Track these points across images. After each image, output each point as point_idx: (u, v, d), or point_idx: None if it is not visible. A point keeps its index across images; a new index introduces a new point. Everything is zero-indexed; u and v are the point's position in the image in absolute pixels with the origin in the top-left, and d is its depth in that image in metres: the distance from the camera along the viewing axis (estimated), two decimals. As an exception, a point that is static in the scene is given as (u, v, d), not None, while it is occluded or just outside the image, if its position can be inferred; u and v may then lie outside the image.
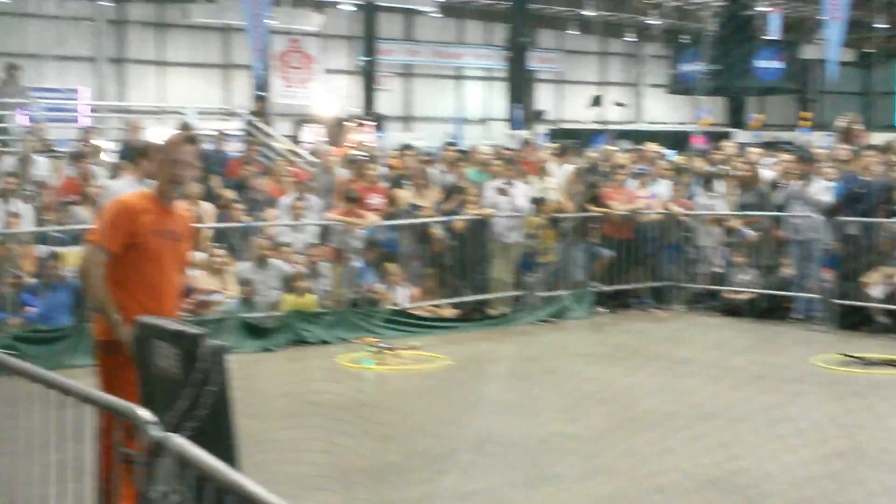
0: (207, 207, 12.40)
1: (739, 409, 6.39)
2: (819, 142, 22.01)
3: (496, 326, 12.45)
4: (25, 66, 19.91)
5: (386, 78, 34.99)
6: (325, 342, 11.38)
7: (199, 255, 11.90)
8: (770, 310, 12.78)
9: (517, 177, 13.40)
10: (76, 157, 13.52)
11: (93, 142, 14.86)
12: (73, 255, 11.17)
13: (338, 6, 33.93)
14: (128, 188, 10.17)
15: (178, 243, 5.11)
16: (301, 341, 11.33)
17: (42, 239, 11.40)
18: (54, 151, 14.89)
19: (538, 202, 13.31)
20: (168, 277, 5.00)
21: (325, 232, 12.53)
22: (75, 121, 20.11)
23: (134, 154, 11.63)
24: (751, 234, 13.31)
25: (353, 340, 11.30)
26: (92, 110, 22.85)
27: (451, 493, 5.76)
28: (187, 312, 10.40)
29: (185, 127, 15.38)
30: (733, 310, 13.13)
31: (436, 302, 12.69)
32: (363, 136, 21.72)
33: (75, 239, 11.35)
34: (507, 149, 16.35)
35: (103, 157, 14.60)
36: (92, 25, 31.77)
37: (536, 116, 32.39)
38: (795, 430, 6.47)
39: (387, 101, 34.99)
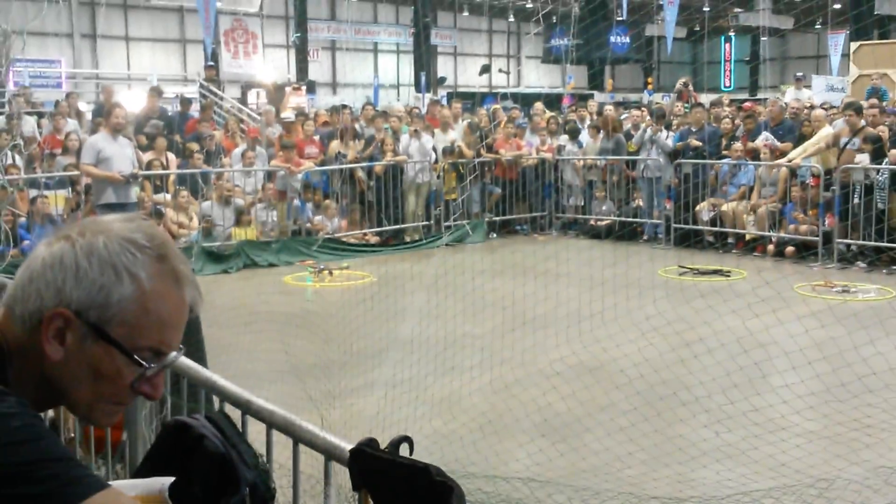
0: (172, 157, 12.08)
1: (608, 312, 6.41)
2: (661, 101, 22.24)
3: (410, 250, 12.40)
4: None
5: (315, 51, 34.37)
6: (272, 265, 11.23)
7: (165, 196, 11.59)
8: (625, 234, 12.95)
9: (425, 130, 13.29)
10: (59, 116, 12.95)
11: (72, 103, 14.24)
12: (58, 197, 10.74)
13: (274, -8, 32.98)
14: (103, 141, 9.80)
15: None
16: (253, 265, 11.16)
17: (32, 184, 10.93)
18: (41, 111, 14.24)
19: (444, 151, 13.24)
20: None
21: (270, 176, 12.28)
22: (59, 86, 19.26)
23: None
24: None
25: (296, 263, 11.18)
26: (69, 77, 21.87)
27: (383, 383, 5.72)
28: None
29: (156, 91, 14.78)
30: (596, 234, 13.28)
31: (361, 231, 12.59)
32: (298, 99, 21.23)
33: (59, 183, 10.95)
34: (415, 108, 16.18)
35: (81, 112, 14.04)
36: (67, 6, 30.35)
37: (438, 82, 32.01)
38: (651, 327, 6.53)
39: (316, 70, 34.36)
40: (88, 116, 14.00)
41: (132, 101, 15.53)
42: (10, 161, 11.16)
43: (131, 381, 1.31)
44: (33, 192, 10.73)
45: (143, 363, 1.30)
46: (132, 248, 1.29)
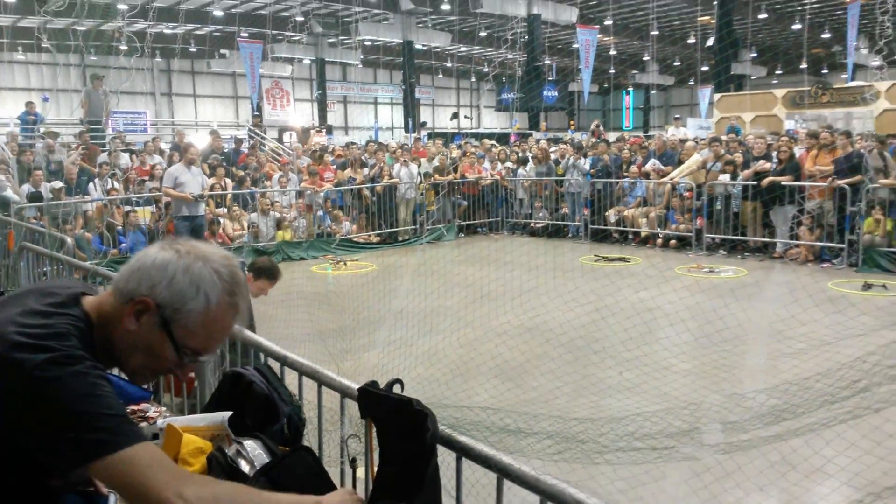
0: (228, 181, 11.97)
1: (542, 288, 6.44)
2: (580, 137, 22.29)
3: (402, 247, 12.37)
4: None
5: (332, 103, 34.14)
6: (303, 258, 11.16)
7: (224, 210, 11.49)
8: (555, 232, 12.99)
9: (411, 160, 13.25)
10: (146, 152, 12.80)
11: (156, 144, 14.05)
12: (145, 212, 10.65)
13: (302, 61, 32.68)
14: (179, 170, 9.71)
15: None
16: (289, 258, 11.09)
17: (127, 202, 10.81)
18: (132, 149, 14.06)
19: (424, 175, 13.20)
20: None
21: (300, 194, 12.21)
22: (145, 130, 19.02)
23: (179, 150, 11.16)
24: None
25: (320, 257, 11.14)
26: (152, 124, 21.57)
27: (382, 342, 5.73)
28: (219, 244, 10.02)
29: (216, 133, 14.61)
30: (534, 233, 13.32)
31: (366, 233, 12.55)
32: (319, 139, 21.08)
33: (146, 201, 10.84)
34: (405, 144, 16.14)
35: (162, 150, 13.86)
36: (150, 72, 30.04)
37: (421, 125, 31.89)
38: (573, 298, 6.57)
39: (333, 117, 34.16)
40: (167, 153, 13.85)
41: (199, 142, 15.37)
42: (110, 185, 11.08)
43: (170, 365, 1.32)
44: (127, 208, 10.62)
45: (184, 357, 1.30)
46: (216, 277, 1.28)
